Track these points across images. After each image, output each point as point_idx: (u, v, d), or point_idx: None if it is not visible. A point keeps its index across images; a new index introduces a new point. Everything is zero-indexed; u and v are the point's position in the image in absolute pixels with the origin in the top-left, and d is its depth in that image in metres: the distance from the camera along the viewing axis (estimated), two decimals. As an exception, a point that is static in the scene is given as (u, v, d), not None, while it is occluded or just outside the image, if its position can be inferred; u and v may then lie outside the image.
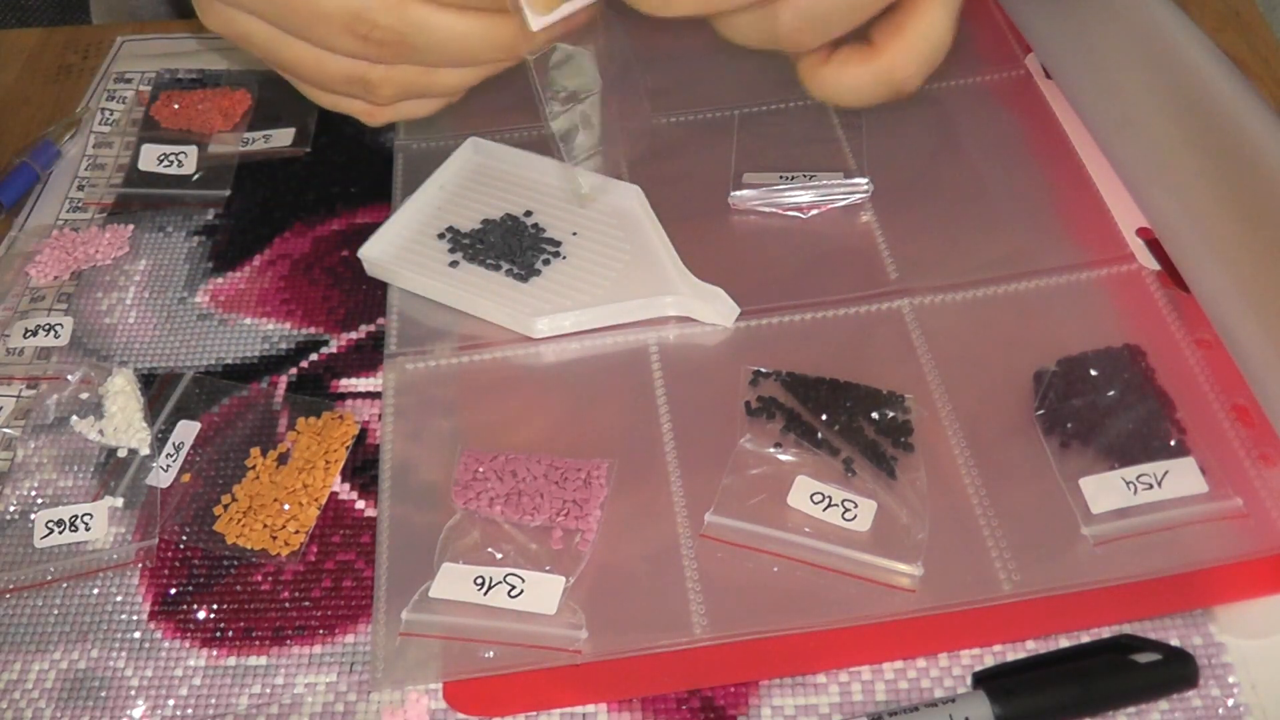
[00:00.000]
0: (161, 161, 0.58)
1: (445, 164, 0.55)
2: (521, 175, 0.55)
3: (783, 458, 0.44)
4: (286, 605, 0.42)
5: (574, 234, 0.52)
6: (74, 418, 0.47)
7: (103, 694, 0.40)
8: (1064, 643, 0.39)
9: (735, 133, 0.57)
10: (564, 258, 0.51)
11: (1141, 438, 0.43)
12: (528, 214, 0.53)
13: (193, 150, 0.59)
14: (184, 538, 0.44)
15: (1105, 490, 0.41)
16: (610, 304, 0.49)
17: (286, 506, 0.44)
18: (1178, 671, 0.37)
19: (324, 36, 0.47)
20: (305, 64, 0.49)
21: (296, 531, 0.43)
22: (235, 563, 0.43)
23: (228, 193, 0.57)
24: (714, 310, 0.48)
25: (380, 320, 0.51)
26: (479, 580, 0.41)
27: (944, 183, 0.54)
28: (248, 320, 0.51)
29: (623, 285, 0.49)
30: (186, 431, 0.47)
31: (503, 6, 0.44)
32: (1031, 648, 0.39)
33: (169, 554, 0.44)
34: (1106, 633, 0.39)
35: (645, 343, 0.49)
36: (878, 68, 0.48)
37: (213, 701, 0.40)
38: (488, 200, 0.53)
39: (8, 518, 0.45)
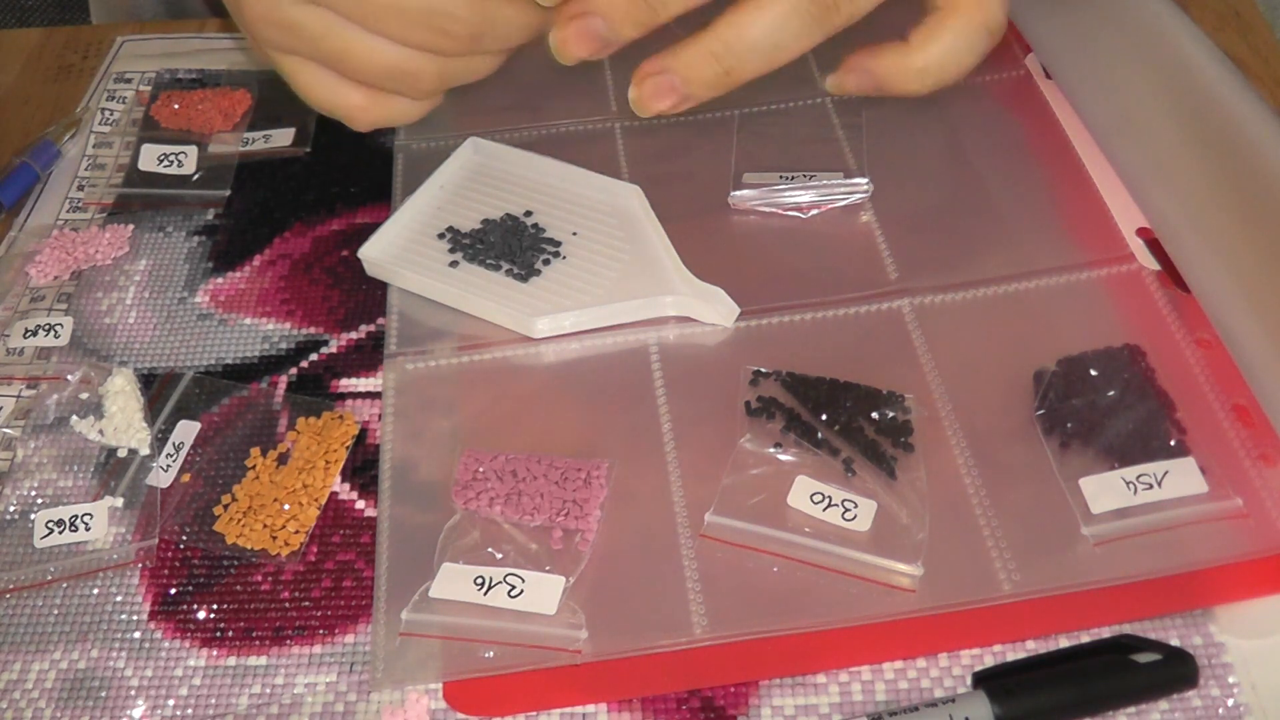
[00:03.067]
0: (161, 161, 0.58)
1: (445, 164, 0.55)
2: (521, 175, 0.55)
3: (783, 458, 0.44)
4: (286, 605, 0.42)
5: (574, 234, 0.52)
6: (74, 418, 0.47)
7: (103, 694, 0.40)
8: (1064, 643, 0.39)
9: (735, 133, 0.57)
10: (564, 258, 0.51)
11: (1141, 438, 0.43)
12: (528, 214, 0.53)
13: (193, 150, 0.59)
14: (184, 538, 0.44)
15: (1105, 490, 0.41)
16: (610, 304, 0.49)
17: (286, 506, 0.44)
18: (1178, 671, 0.37)
19: (397, 29, 0.45)
20: (355, 55, 0.47)
21: (296, 531, 0.43)
22: (235, 563, 0.43)
23: (228, 193, 0.57)
24: (714, 310, 0.48)
25: (380, 320, 0.51)
26: (479, 580, 0.41)
27: (944, 183, 0.54)
28: (248, 320, 0.51)
29: (623, 285, 0.49)
30: (186, 431, 0.47)
31: None
32: (1031, 648, 0.39)
33: (169, 554, 0.44)
34: (1106, 633, 0.39)
35: (645, 343, 0.49)
36: (964, 23, 0.44)
37: (213, 701, 0.40)
38: (488, 200, 0.53)
39: (8, 518, 0.45)
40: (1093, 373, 0.45)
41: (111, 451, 0.46)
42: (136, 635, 0.41)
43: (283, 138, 0.59)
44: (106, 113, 0.62)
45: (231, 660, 0.41)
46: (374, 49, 0.47)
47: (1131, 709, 0.37)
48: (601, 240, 0.51)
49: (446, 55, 0.47)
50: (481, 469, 0.44)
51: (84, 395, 0.48)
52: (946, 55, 0.44)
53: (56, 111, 0.63)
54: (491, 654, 0.39)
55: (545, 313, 0.48)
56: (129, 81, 0.64)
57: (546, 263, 0.50)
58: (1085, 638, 0.39)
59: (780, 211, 0.53)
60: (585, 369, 0.48)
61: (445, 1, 0.44)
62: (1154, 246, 0.50)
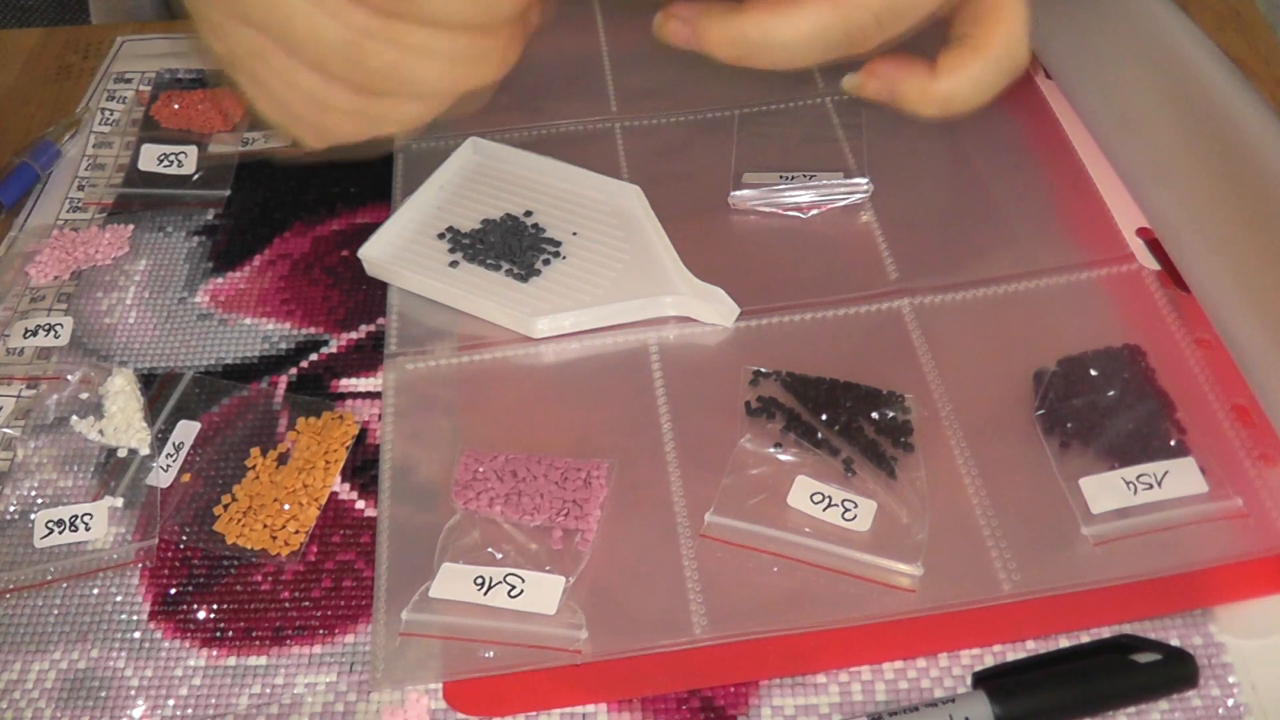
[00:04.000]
0: (161, 161, 0.58)
1: (445, 164, 0.55)
2: (521, 175, 0.55)
3: (783, 458, 0.44)
4: (286, 605, 0.42)
5: (574, 234, 0.52)
6: (74, 418, 0.47)
7: (103, 694, 0.40)
8: (1064, 643, 0.39)
9: (735, 133, 0.57)
10: (564, 258, 0.51)
11: (1141, 438, 0.43)
12: (528, 214, 0.53)
13: (193, 150, 0.59)
14: (184, 538, 0.44)
15: (1105, 490, 0.41)
16: (610, 304, 0.49)
17: (286, 506, 0.44)
18: (1178, 671, 0.37)
19: (316, 57, 0.46)
20: (272, 86, 0.47)
21: (296, 531, 0.43)
22: (235, 563, 0.43)
23: (228, 193, 0.57)
24: (714, 310, 0.48)
25: (380, 320, 0.51)
26: (479, 580, 0.41)
27: (944, 183, 0.54)
28: (248, 320, 0.51)
29: (623, 285, 0.49)
30: (186, 431, 0.47)
31: (494, 24, 0.44)
32: (1031, 648, 0.39)
33: (169, 554, 0.44)
34: (1106, 633, 0.39)
35: (645, 343, 0.49)
36: (991, 62, 0.42)
37: (213, 701, 0.40)
38: (488, 200, 0.53)
39: (8, 518, 0.45)
40: (1093, 373, 0.45)
41: (111, 451, 0.46)
42: (136, 635, 0.41)
43: (283, 137, 0.59)
44: (106, 113, 0.62)
45: (231, 660, 0.41)
46: (295, 78, 0.46)
47: (1131, 709, 0.37)
48: (601, 240, 0.51)
49: (369, 90, 0.46)
50: (481, 469, 0.44)
51: (84, 395, 0.48)
52: (969, 87, 0.44)
53: (56, 111, 0.62)
54: (491, 654, 0.39)
55: (545, 313, 0.48)
56: (129, 81, 0.64)
57: (546, 263, 0.50)
58: (1085, 638, 0.39)
59: (780, 211, 0.53)
60: (585, 369, 0.48)
61: (359, 33, 0.43)
62: (1154, 246, 0.50)
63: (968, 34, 0.43)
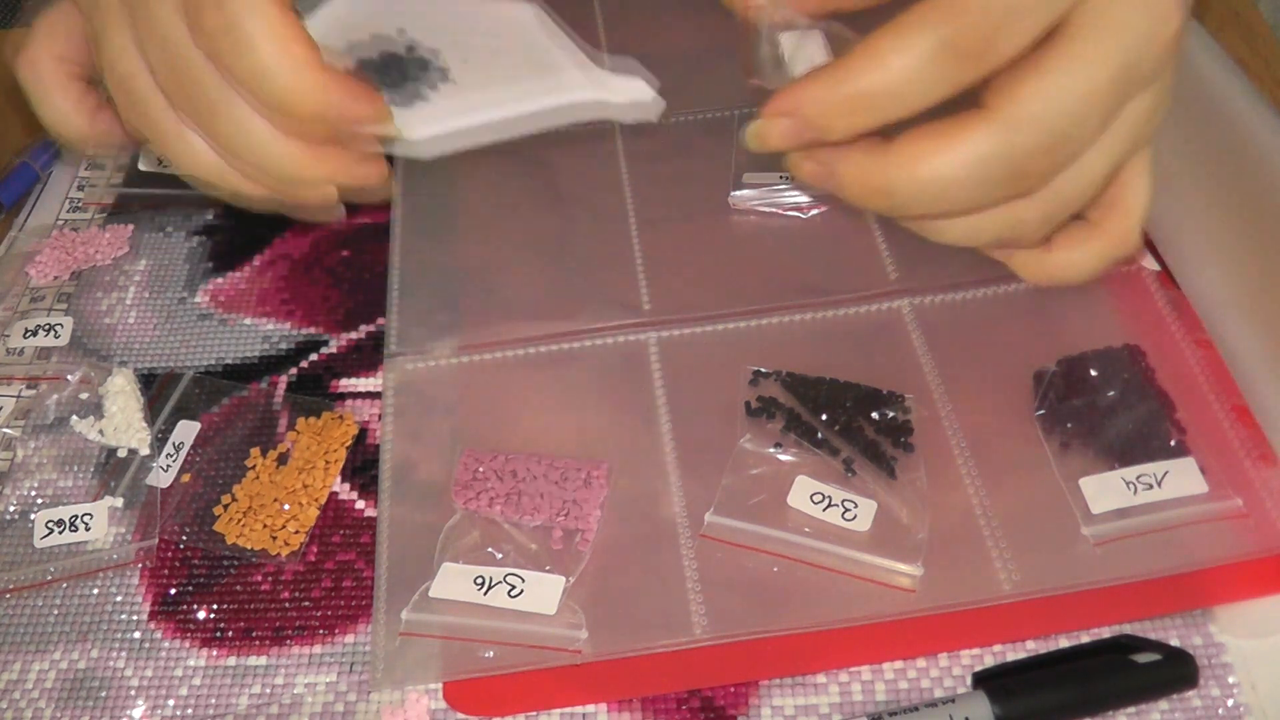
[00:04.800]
0: (162, 161, 0.58)
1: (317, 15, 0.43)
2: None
3: (783, 458, 0.44)
4: (286, 605, 0.42)
5: (464, 61, 0.42)
6: (74, 418, 0.47)
7: (103, 694, 0.40)
8: (1064, 643, 0.39)
9: (735, 133, 0.57)
10: (454, 82, 0.42)
11: (1141, 438, 0.43)
12: (401, 32, 0.43)
13: (193, 150, 0.58)
14: (184, 538, 0.44)
15: (1105, 490, 0.41)
16: (493, 88, 0.41)
17: (286, 506, 0.44)
18: (1178, 671, 0.37)
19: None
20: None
21: (296, 531, 0.43)
22: (235, 563, 0.43)
23: (228, 193, 0.57)
24: (624, 91, 0.43)
25: (380, 320, 0.51)
26: (479, 580, 0.41)
27: (944, 183, 0.54)
28: (248, 320, 0.52)
29: (517, 82, 0.42)
30: (186, 431, 0.47)
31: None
32: (1031, 648, 0.39)
33: (169, 554, 0.44)
34: (1106, 633, 0.39)
35: (645, 342, 0.49)
36: (1105, 246, 0.41)
37: (213, 701, 0.40)
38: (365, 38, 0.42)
39: (8, 518, 0.45)
40: (1093, 373, 0.45)
41: (111, 451, 0.46)
42: (136, 635, 0.41)
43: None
44: (106, 113, 0.62)
45: (231, 660, 0.41)
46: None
47: (1131, 709, 0.37)
48: (495, 58, 0.43)
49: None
50: (481, 469, 0.44)
51: (84, 395, 0.48)
52: (1080, 267, 0.40)
53: (56, 111, 0.62)
54: (491, 654, 0.39)
55: (427, 120, 0.41)
56: (129, 81, 0.64)
57: (433, 88, 0.42)
58: (1085, 638, 0.39)
59: (780, 211, 0.53)
60: (584, 368, 0.48)
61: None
62: (1154, 246, 0.50)
63: (1089, 214, 0.40)
